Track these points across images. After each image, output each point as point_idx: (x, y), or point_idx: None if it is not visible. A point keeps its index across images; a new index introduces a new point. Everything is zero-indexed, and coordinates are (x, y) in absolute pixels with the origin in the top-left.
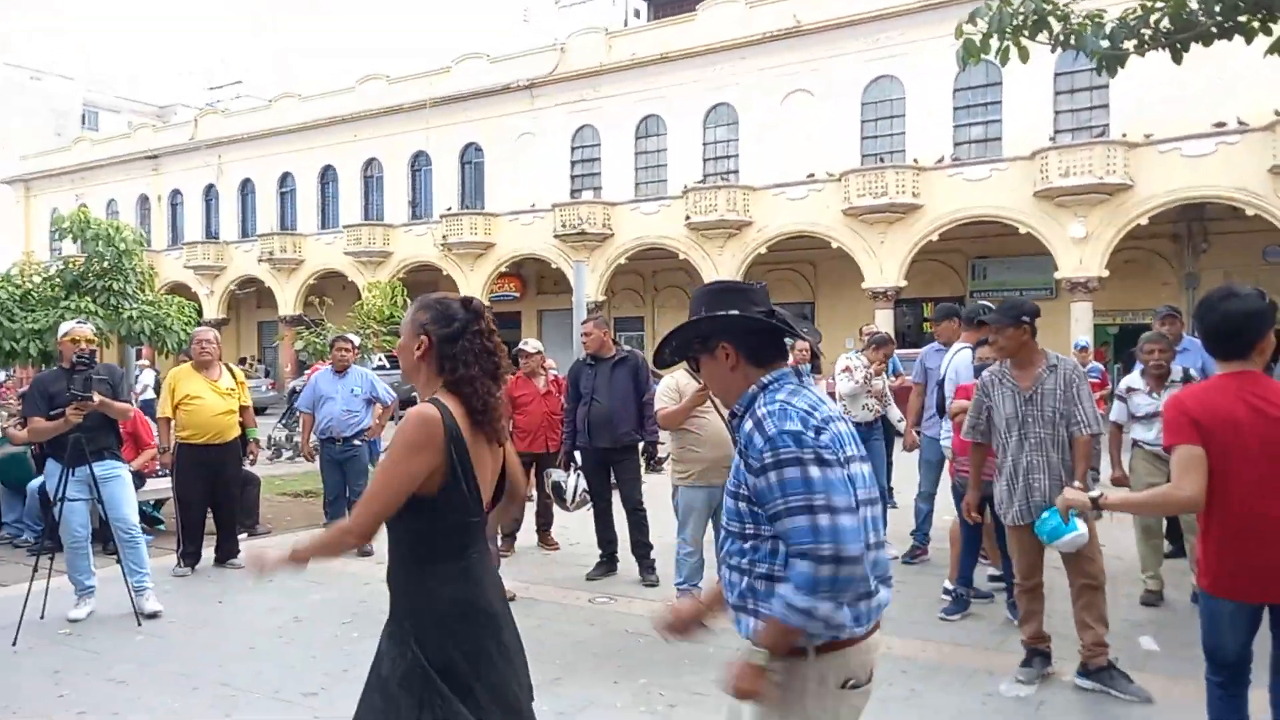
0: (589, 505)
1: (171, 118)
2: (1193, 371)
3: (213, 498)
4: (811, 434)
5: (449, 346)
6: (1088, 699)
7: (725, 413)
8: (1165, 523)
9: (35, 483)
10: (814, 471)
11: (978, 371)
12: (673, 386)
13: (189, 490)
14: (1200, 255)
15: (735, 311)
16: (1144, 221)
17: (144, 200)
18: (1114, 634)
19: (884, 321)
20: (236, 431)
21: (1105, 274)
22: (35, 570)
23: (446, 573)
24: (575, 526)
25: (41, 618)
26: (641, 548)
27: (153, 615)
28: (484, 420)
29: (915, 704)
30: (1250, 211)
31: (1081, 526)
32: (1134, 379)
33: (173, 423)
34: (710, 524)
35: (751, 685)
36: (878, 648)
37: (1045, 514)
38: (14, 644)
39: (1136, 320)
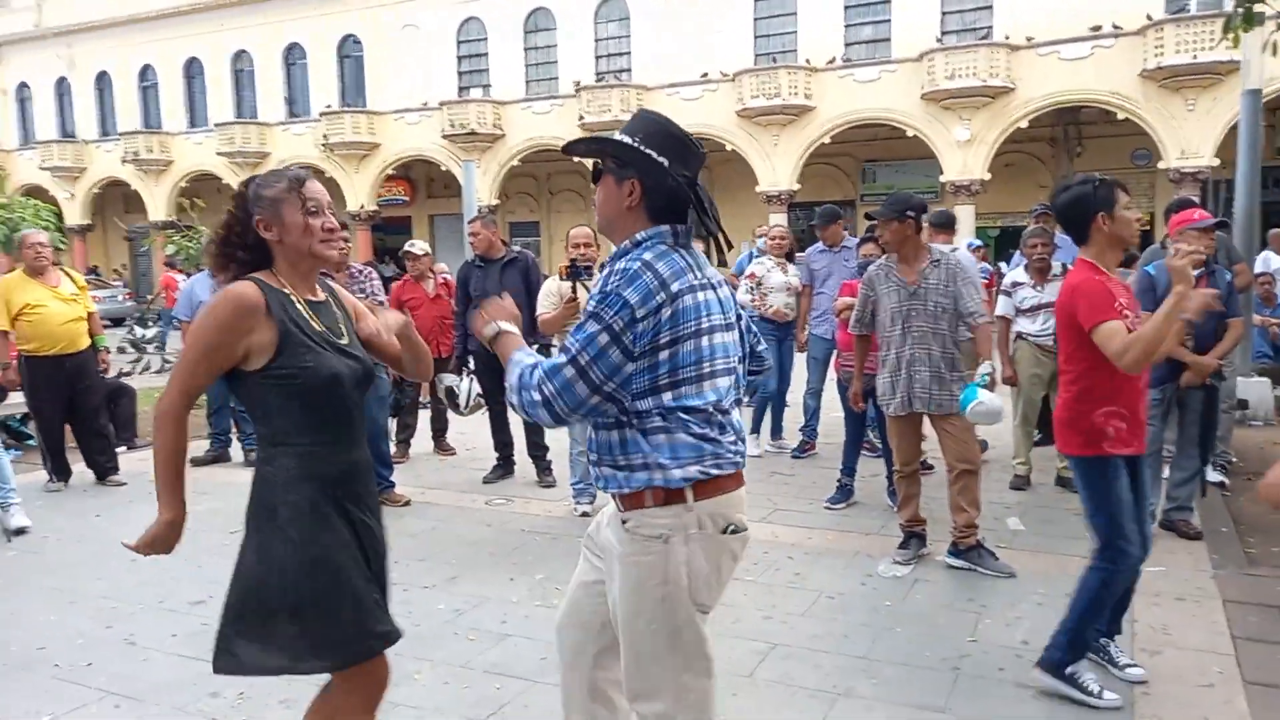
0: (484, 409)
1: (12, 1)
2: (1068, 264)
3: (73, 411)
4: (641, 311)
5: None
6: (957, 576)
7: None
8: (1039, 412)
9: None
10: (602, 339)
11: (861, 269)
12: (553, 290)
13: (43, 405)
14: (1075, 159)
15: (665, 163)
16: (1024, 124)
17: None
18: (983, 516)
19: (780, 223)
20: (87, 340)
21: (988, 177)
22: None
23: None
24: (471, 431)
25: None
26: (537, 449)
27: (19, 531)
28: None
29: (799, 586)
30: (1121, 116)
31: (985, 398)
32: (1018, 274)
33: (11, 335)
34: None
35: (478, 325)
36: (744, 500)
37: (970, 387)
38: None
39: (1016, 223)
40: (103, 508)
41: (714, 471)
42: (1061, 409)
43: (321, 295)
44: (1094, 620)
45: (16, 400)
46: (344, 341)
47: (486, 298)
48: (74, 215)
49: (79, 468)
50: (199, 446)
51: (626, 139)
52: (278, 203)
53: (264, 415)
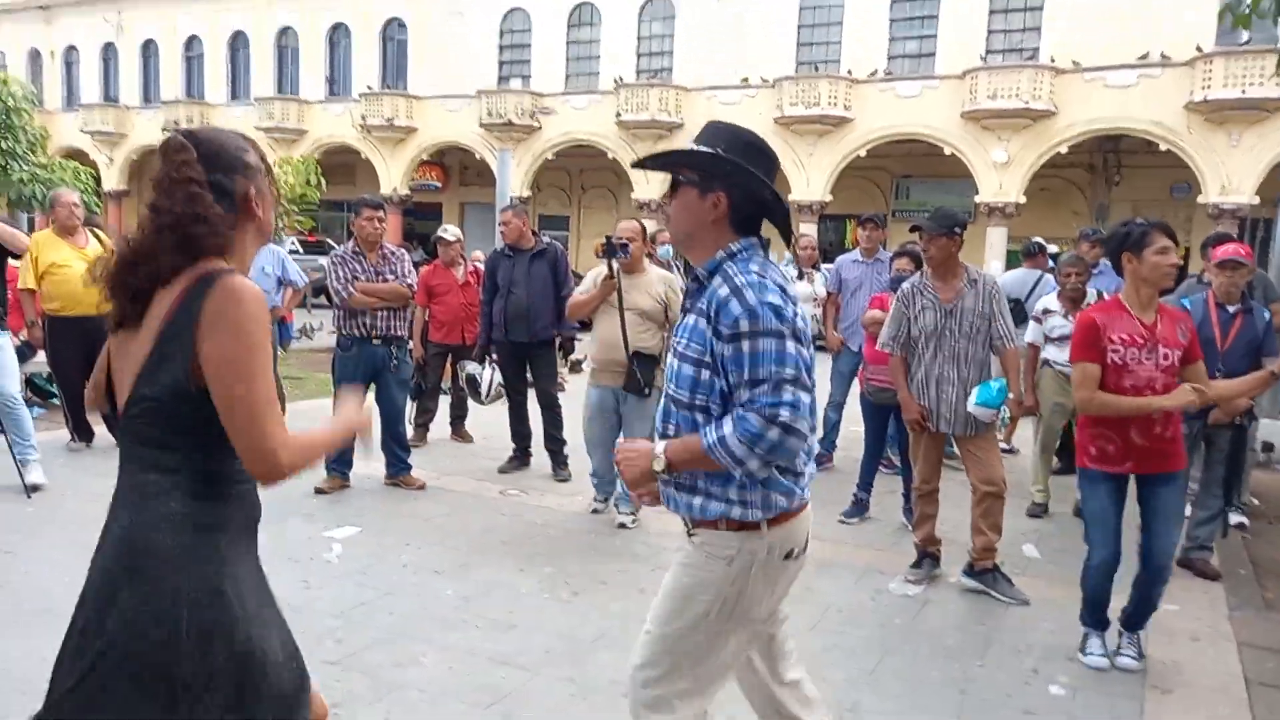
0: (504, 399)
1: None
2: (1105, 294)
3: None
4: (790, 309)
5: None
6: (970, 598)
7: (625, 318)
8: (1059, 441)
9: None
10: (790, 346)
11: (894, 283)
12: (591, 276)
13: (65, 365)
14: (1113, 187)
15: (759, 173)
16: (1063, 150)
17: (35, 55)
18: (1000, 541)
19: (810, 234)
20: None
21: (1023, 200)
22: None
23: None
24: (489, 420)
25: None
26: (554, 443)
27: (35, 487)
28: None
29: (809, 598)
30: (1163, 147)
31: (983, 414)
32: (1050, 301)
33: (38, 294)
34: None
35: (637, 474)
36: (810, 517)
37: (987, 385)
38: None
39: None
40: None
41: (792, 505)
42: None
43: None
44: (1089, 599)
45: (44, 358)
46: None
47: (514, 287)
48: (112, 180)
49: (101, 429)
50: None
51: (710, 150)
52: (257, 172)
53: (203, 447)
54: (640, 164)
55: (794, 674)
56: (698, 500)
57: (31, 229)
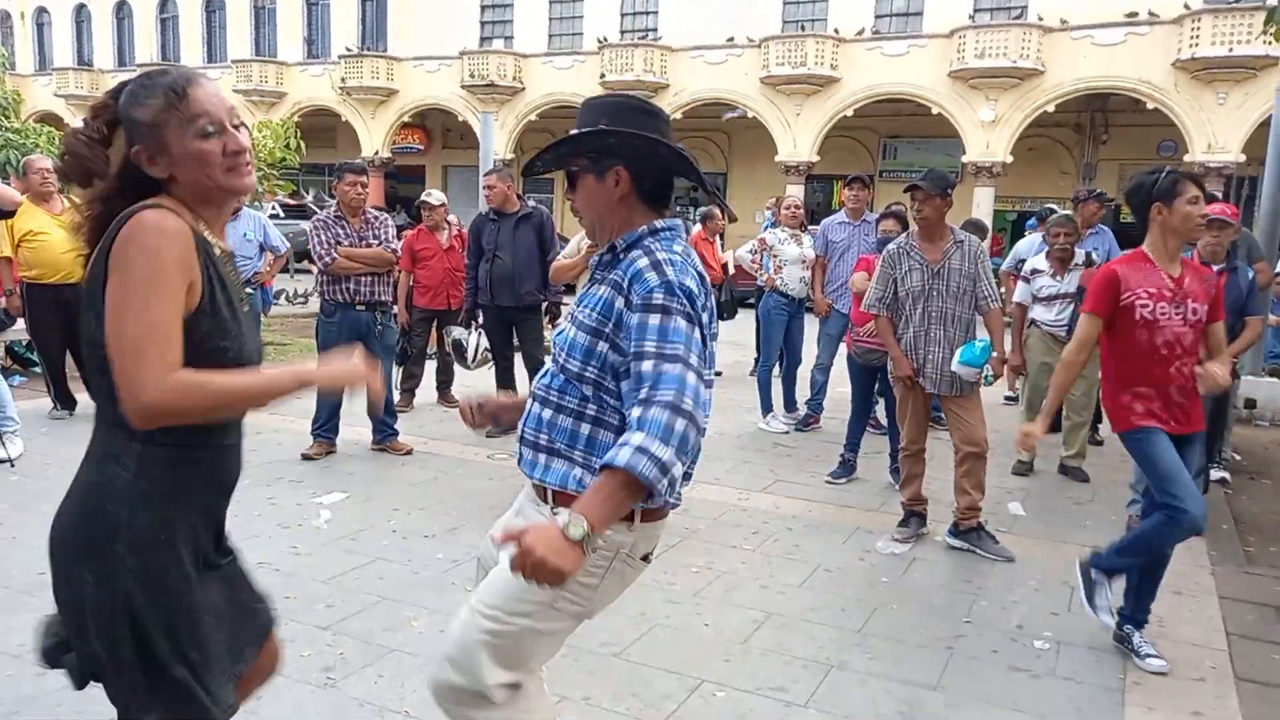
0: (490, 364)
1: None
2: (1095, 255)
3: (74, 341)
4: (702, 300)
5: None
6: (956, 557)
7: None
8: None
9: None
10: (697, 335)
11: (881, 245)
12: (576, 240)
13: (44, 333)
14: (1100, 146)
15: (649, 134)
16: (1050, 109)
17: (5, 17)
18: (985, 499)
19: (796, 195)
20: None
21: (1010, 159)
22: None
23: None
24: (476, 385)
25: None
26: None
27: (6, 461)
28: None
29: (797, 558)
30: (1151, 105)
31: (967, 373)
32: (1039, 261)
33: (15, 262)
34: None
35: (565, 562)
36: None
37: (971, 344)
38: None
39: (1035, 208)
40: None
41: (669, 502)
42: (1102, 395)
43: (228, 246)
44: (1134, 554)
45: (23, 326)
46: (246, 309)
47: (499, 251)
48: None
49: (83, 397)
50: None
51: (592, 129)
52: (157, 127)
53: None
54: (529, 170)
55: None
56: (564, 469)
57: None
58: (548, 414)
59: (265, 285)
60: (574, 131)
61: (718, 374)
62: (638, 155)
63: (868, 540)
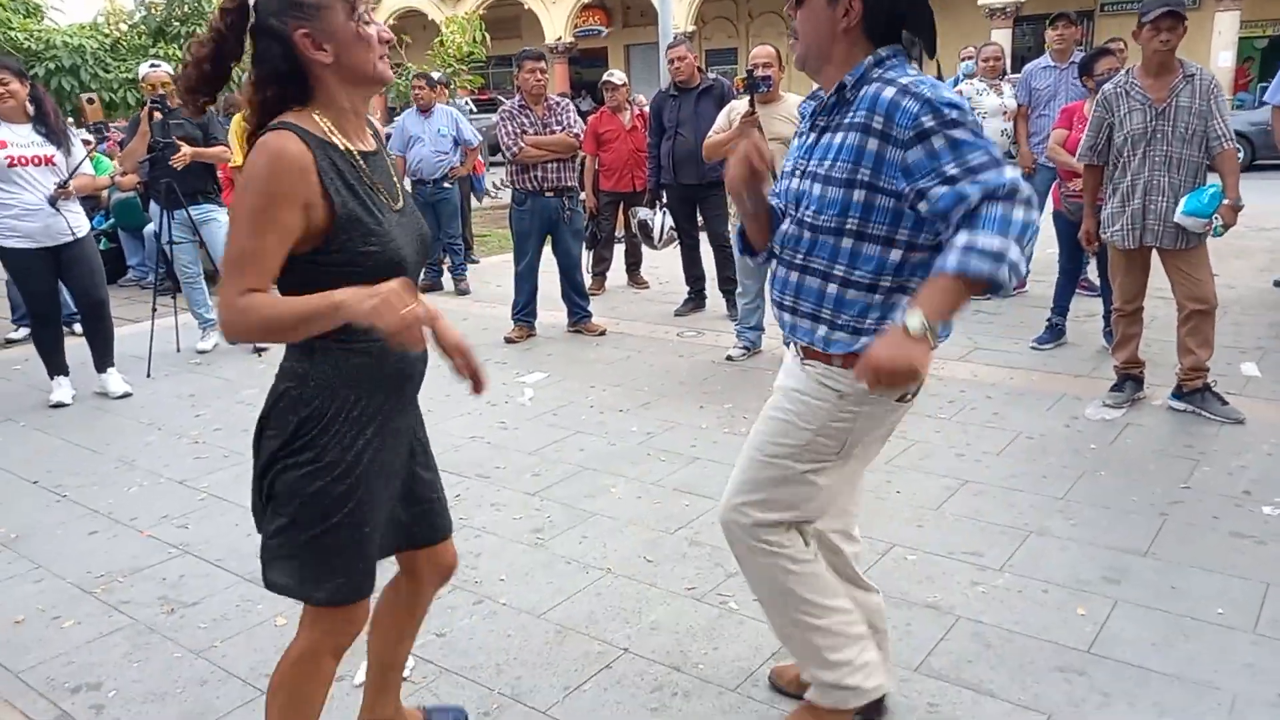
0: (676, 242)
1: None
2: None
3: None
4: (969, 111)
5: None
6: (1176, 420)
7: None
8: None
9: (150, 226)
10: (985, 139)
11: (1097, 86)
12: (725, 113)
13: None
14: None
15: None
16: None
17: None
18: (1215, 360)
19: (1002, 43)
20: None
21: None
22: (155, 309)
23: None
24: (664, 264)
25: (177, 350)
26: (728, 284)
27: (254, 352)
28: None
29: (996, 425)
30: None
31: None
32: None
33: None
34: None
35: (912, 354)
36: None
37: (1199, 191)
38: (148, 374)
39: None
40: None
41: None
42: None
43: (372, 143)
44: None
45: None
46: (401, 206)
47: (681, 128)
48: None
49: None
50: None
51: None
52: (323, 9)
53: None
54: None
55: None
56: (821, 330)
57: (229, 112)
58: (794, 277)
59: (477, 171)
60: None
61: None
62: None
63: (1075, 407)
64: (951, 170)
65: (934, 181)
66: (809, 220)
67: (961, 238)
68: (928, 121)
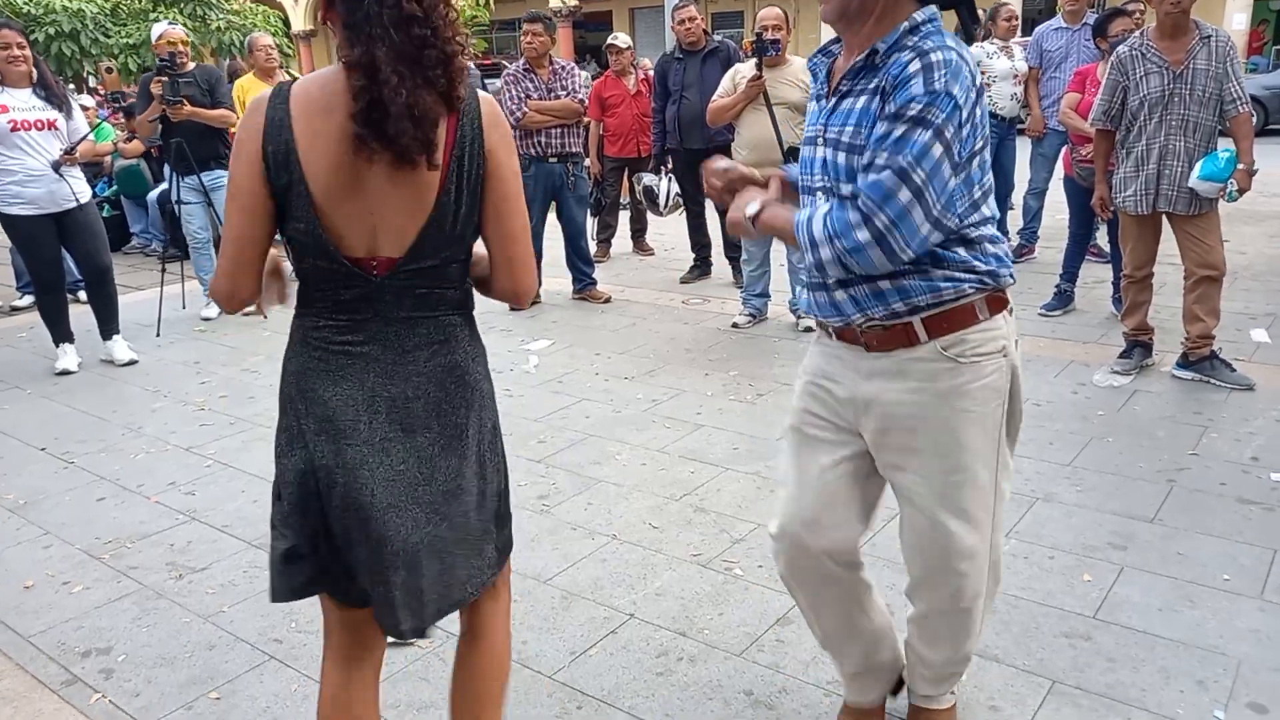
0: (682, 209)
1: None
2: None
3: None
4: (969, 110)
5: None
6: (1184, 388)
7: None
8: None
9: (154, 193)
10: (937, 152)
11: (1112, 48)
12: (729, 77)
13: None
14: None
15: None
16: None
17: None
18: (1224, 327)
19: (1013, 4)
20: None
21: None
22: (163, 275)
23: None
24: (669, 231)
25: (183, 307)
26: (734, 250)
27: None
28: (370, 127)
29: None
30: None
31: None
32: None
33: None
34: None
35: (736, 223)
36: None
37: (1214, 155)
38: (157, 334)
39: None
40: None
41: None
42: None
43: None
44: None
45: None
46: None
47: (686, 91)
48: (298, 20)
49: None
50: None
51: None
52: None
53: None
54: None
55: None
56: (939, 277)
57: (233, 78)
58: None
59: None
60: None
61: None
62: None
63: (1083, 374)
64: (882, 159)
65: (872, 159)
66: (835, 189)
67: (826, 206)
68: (912, 109)
